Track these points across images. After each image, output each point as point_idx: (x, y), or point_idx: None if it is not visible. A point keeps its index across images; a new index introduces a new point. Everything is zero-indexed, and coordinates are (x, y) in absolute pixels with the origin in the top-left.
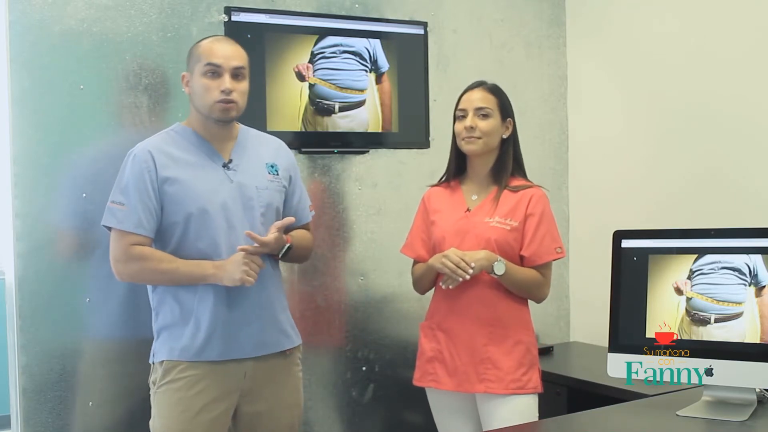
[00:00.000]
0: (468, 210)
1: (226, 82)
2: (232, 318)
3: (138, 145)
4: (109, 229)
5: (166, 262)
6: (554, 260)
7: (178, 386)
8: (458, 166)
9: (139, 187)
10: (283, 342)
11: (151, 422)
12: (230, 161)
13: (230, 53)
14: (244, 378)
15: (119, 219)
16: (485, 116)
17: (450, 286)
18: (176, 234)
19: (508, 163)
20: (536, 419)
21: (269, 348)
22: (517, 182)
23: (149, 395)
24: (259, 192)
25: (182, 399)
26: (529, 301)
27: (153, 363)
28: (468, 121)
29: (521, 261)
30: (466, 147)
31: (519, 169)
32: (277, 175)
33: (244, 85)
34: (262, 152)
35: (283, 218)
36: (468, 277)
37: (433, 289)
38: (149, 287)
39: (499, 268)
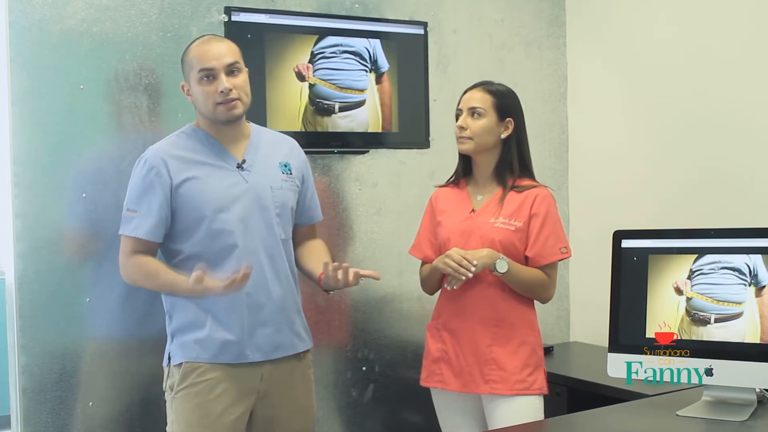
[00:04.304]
0: (473, 211)
1: (223, 81)
2: (250, 320)
3: (149, 149)
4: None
5: (162, 275)
6: (560, 260)
7: (198, 390)
8: (465, 167)
9: (148, 194)
10: (298, 344)
11: (168, 428)
12: (244, 161)
13: (221, 52)
14: (261, 381)
15: (132, 227)
16: (478, 116)
17: (454, 287)
18: (192, 237)
19: (512, 163)
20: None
21: (285, 350)
22: (523, 183)
23: (150, 395)
24: (273, 192)
25: (202, 403)
26: (534, 302)
27: (169, 366)
28: (460, 121)
29: (526, 261)
30: (459, 147)
31: (525, 170)
32: (291, 174)
33: (242, 79)
34: (275, 152)
35: (307, 215)
36: (470, 275)
37: (440, 289)
38: None
39: (502, 266)
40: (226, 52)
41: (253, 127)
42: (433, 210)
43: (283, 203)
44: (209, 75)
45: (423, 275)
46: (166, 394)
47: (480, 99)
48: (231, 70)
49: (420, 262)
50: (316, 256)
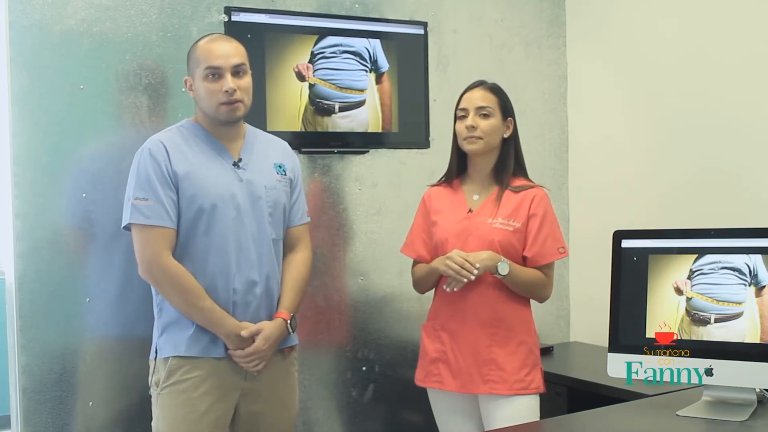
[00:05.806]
0: (470, 211)
1: (229, 81)
2: (237, 316)
3: (149, 140)
4: (128, 229)
5: (204, 300)
6: (557, 260)
7: (184, 387)
8: (459, 166)
9: (159, 179)
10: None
11: (153, 424)
12: (240, 160)
13: (228, 52)
14: (245, 379)
15: (146, 215)
16: (486, 116)
17: (455, 289)
18: (185, 229)
19: (509, 162)
20: (538, 419)
21: None
22: (518, 182)
23: (150, 395)
24: (267, 191)
25: (188, 400)
26: (531, 301)
27: (155, 360)
28: (469, 121)
29: (524, 262)
30: (467, 147)
31: (520, 169)
32: (285, 175)
33: (246, 81)
34: (270, 152)
35: (289, 217)
36: (473, 278)
37: (434, 289)
38: None
39: (503, 268)
40: (234, 52)
41: (248, 128)
42: (426, 209)
43: (276, 202)
44: (215, 73)
45: (417, 275)
46: (151, 389)
47: (486, 98)
48: (237, 71)
49: (412, 261)
50: (284, 287)
